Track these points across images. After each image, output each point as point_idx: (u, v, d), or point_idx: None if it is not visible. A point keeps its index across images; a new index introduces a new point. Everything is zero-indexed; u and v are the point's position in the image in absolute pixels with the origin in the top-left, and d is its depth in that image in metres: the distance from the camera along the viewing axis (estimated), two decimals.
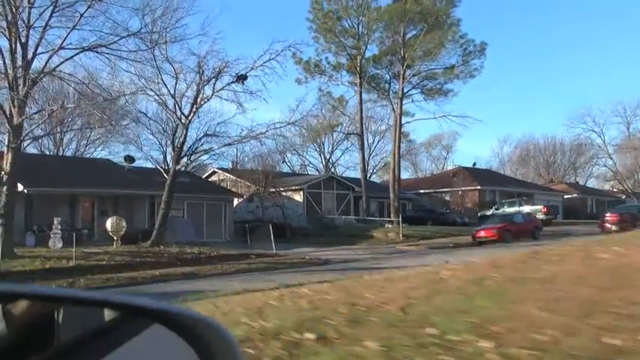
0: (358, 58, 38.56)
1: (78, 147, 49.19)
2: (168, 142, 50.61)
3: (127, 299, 1.52)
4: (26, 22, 21.35)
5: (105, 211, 30.26)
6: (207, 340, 1.46)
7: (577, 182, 73.17)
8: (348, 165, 65.50)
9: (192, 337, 1.45)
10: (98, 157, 45.21)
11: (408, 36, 37.72)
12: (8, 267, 19.00)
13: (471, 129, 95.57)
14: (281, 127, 25.87)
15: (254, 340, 4.15)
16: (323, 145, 61.44)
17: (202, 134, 27.54)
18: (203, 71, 25.26)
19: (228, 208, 35.24)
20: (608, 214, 30.78)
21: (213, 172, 44.79)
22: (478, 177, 53.40)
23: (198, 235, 31.36)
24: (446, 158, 77.39)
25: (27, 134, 23.16)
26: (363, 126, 41.94)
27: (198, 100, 26.04)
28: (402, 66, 37.64)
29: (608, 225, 28.82)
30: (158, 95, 26.24)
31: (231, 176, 42.64)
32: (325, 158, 62.57)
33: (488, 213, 44.88)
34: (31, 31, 21.45)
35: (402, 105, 38.42)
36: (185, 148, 26.73)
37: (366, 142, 64.77)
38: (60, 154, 44.35)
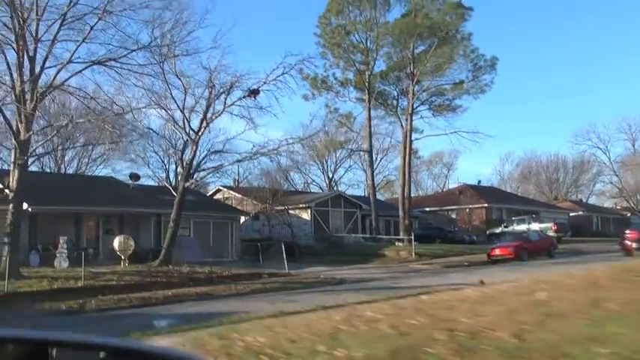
0: (367, 73, 38.13)
1: (79, 165, 48.56)
2: (172, 160, 50.72)
3: (119, 343, 1.54)
4: (34, 35, 20.82)
5: (110, 229, 29.55)
6: None
7: (581, 200, 72.70)
8: (351, 183, 64.99)
9: None
10: (100, 175, 44.57)
11: (416, 51, 37.43)
12: (15, 288, 18.19)
13: (473, 146, 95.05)
14: (294, 143, 25.17)
15: None
16: (326, 162, 60.99)
17: (209, 151, 26.97)
18: (214, 85, 24.75)
19: (235, 227, 34.50)
20: (628, 232, 30.13)
21: (218, 190, 44.15)
22: (484, 194, 52.86)
23: (205, 254, 30.62)
24: (447, 176, 77.27)
25: (34, 150, 22.47)
26: (368, 143, 41.27)
27: (208, 115, 25.47)
28: (412, 81, 37.26)
29: (628, 242, 28.20)
30: (166, 110, 25.69)
31: (237, 194, 41.98)
32: (329, 177, 62.05)
33: (497, 231, 44.37)
34: (38, 45, 20.92)
35: (412, 121, 37.93)
36: (194, 165, 26.08)
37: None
38: (61, 172, 43.66)
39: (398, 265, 28.77)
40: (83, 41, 21.12)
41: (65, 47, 22.03)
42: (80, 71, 21.59)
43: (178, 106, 25.43)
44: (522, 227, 42.31)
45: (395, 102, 40.84)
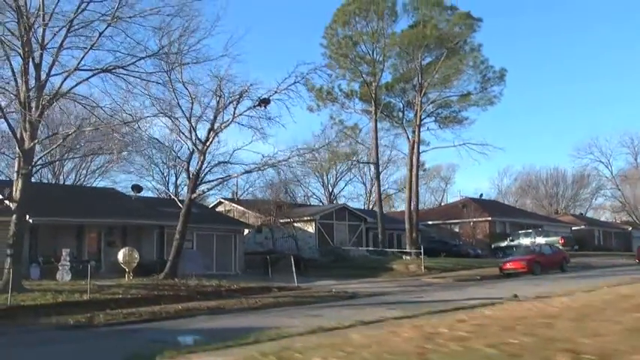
0: (373, 84, 37.69)
1: (78, 177, 47.81)
2: (172, 172, 50.01)
3: None
4: (40, 41, 20.24)
5: (112, 241, 28.85)
6: None
7: (581, 214, 72.40)
8: (351, 196, 64.40)
9: None
10: (98, 187, 43.82)
11: (424, 62, 37.07)
12: (18, 301, 17.47)
13: (482, 158, 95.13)
14: (305, 154, 24.55)
15: None
16: (327, 175, 60.48)
17: (209, 163, 26.19)
18: (222, 94, 24.18)
19: (238, 239, 33.82)
20: None
21: (219, 203, 43.45)
22: (487, 208, 52.44)
23: (208, 267, 29.94)
24: (444, 190, 77.13)
25: (39, 159, 21.77)
26: (375, 155, 40.67)
27: (216, 125, 24.88)
28: (420, 93, 36.85)
29: None
30: (172, 120, 25.08)
31: (238, 207, 41.32)
32: (329, 190, 61.51)
33: (503, 244, 43.90)
34: (44, 52, 20.32)
35: (419, 132, 37.46)
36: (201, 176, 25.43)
37: (369, 172, 64.26)
38: (59, 183, 42.88)
39: (408, 279, 28.12)
40: (91, 48, 20.54)
41: (71, 54, 21.46)
42: (87, 79, 20.98)
43: (185, 116, 24.87)
44: (528, 241, 41.85)
45: (400, 114, 40.40)
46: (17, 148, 20.35)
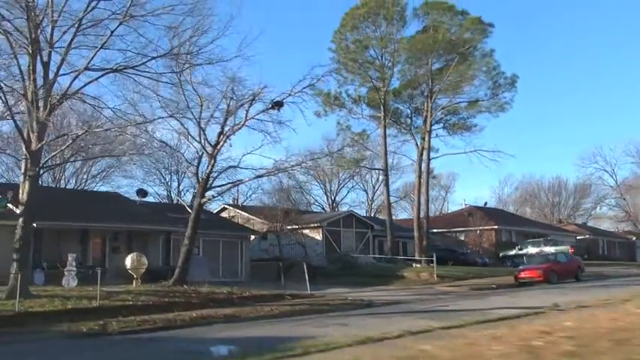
0: (382, 90, 37.16)
1: (78, 182, 47.10)
2: (174, 177, 49.28)
3: None
4: (48, 39, 19.63)
5: (117, 247, 28.22)
6: None
7: (584, 223, 72.04)
8: (353, 204, 63.85)
9: None
10: (102, 191, 43.09)
11: (433, 68, 36.62)
12: (26, 307, 16.76)
13: (493, 165, 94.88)
14: (319, 159, 23.93)
15: None
16: (330, 183, 59.96)
17: (221, 167, 25.51)
18: (233, 96, 23.59)
19: (245, 246, 33.20)
20: None
21: (224, 209, 42.76)
22: (493, 217, 52.01)
23: (215, 273, 29.29)
24: (444, 198, 76.75)
25: (47, 161, 21.10)
26: (384, 162, 40.00)
27: (226, 128, 24.27)
28: (430, 98, 36.37)
29: None
30: (181, 123, 24.46)
31: (243, 213, 40.65)
32: (332, 198, 60.97)
33: (511, 253, 43.39)
34: (52, 51, 19.71)
35: (430, 139, 36.93)
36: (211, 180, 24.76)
37: (372, 180, 63.76)
38: (60, 187, 42.16)
39: (421, 287, 27.49)
40: (102, 47, 19.93)
41: (79, 54, 20.83)
42: (96, 79, 20.38)
43: (195, 118, 24.24)
44: (536, 249, 41.38)
45: (409, 120, 39.90)
46: (24, 150, 19.68)
